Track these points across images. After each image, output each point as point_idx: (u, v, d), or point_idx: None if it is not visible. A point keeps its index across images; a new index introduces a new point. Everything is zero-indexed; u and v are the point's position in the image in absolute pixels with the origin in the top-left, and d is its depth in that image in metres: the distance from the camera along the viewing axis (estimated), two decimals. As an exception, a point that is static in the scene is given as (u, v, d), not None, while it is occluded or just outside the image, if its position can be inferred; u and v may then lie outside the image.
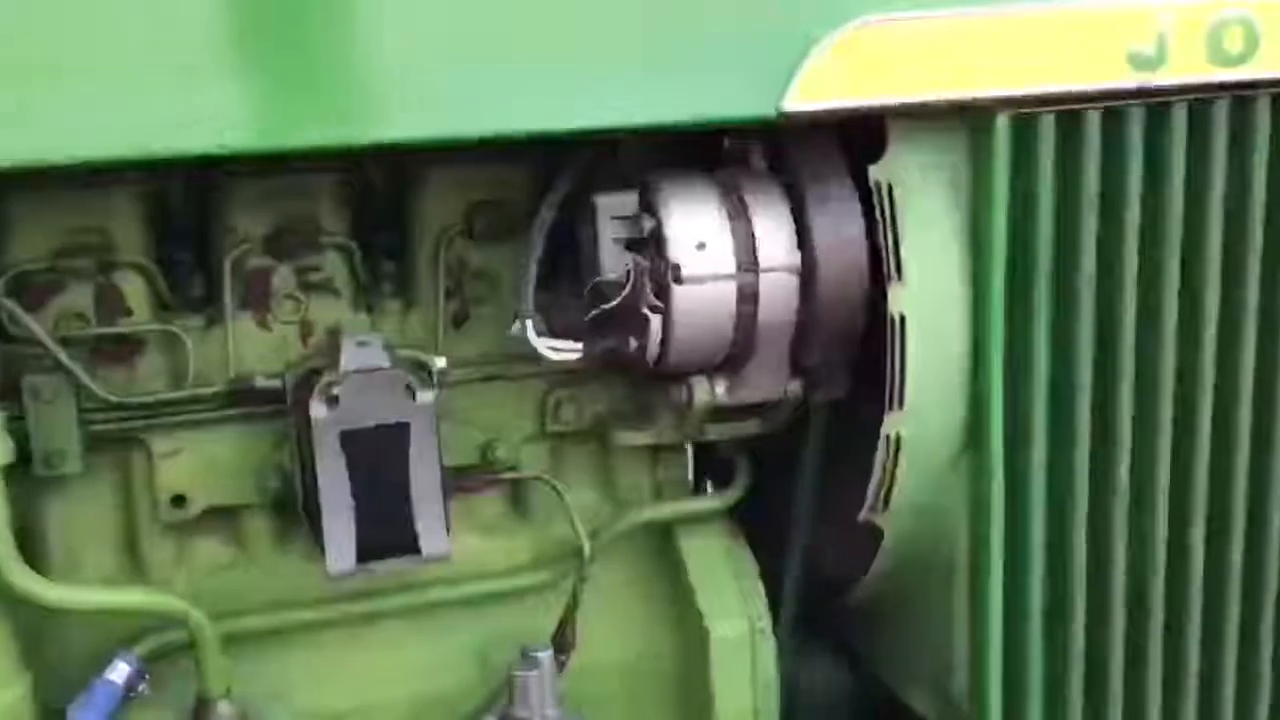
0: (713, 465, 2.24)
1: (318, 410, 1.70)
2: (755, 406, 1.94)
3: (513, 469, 2.06)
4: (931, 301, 1.81)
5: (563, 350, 1.84)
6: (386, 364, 1.80)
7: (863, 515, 1.92)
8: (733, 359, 1.85)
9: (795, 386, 1.90)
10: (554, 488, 2.03)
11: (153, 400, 1.87)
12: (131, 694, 1.88)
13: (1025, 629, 1.94)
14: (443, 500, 1.79)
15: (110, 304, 1.87)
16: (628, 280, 1.78)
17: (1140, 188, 1.82)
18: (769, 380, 1.88)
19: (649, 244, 1.78)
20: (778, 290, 1.79)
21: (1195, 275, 1.87)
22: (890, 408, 1.81)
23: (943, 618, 2.00)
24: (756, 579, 2.11)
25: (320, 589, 1.97)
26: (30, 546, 1.90)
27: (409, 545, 1.78)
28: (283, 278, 1.93)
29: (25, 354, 1.81)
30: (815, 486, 2.05)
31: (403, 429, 1.74)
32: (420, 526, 1.78)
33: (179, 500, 1.93)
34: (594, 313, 1.80)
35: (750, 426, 1.99)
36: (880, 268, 1.78)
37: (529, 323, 1.83)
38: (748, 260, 1.77)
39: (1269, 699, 2.06)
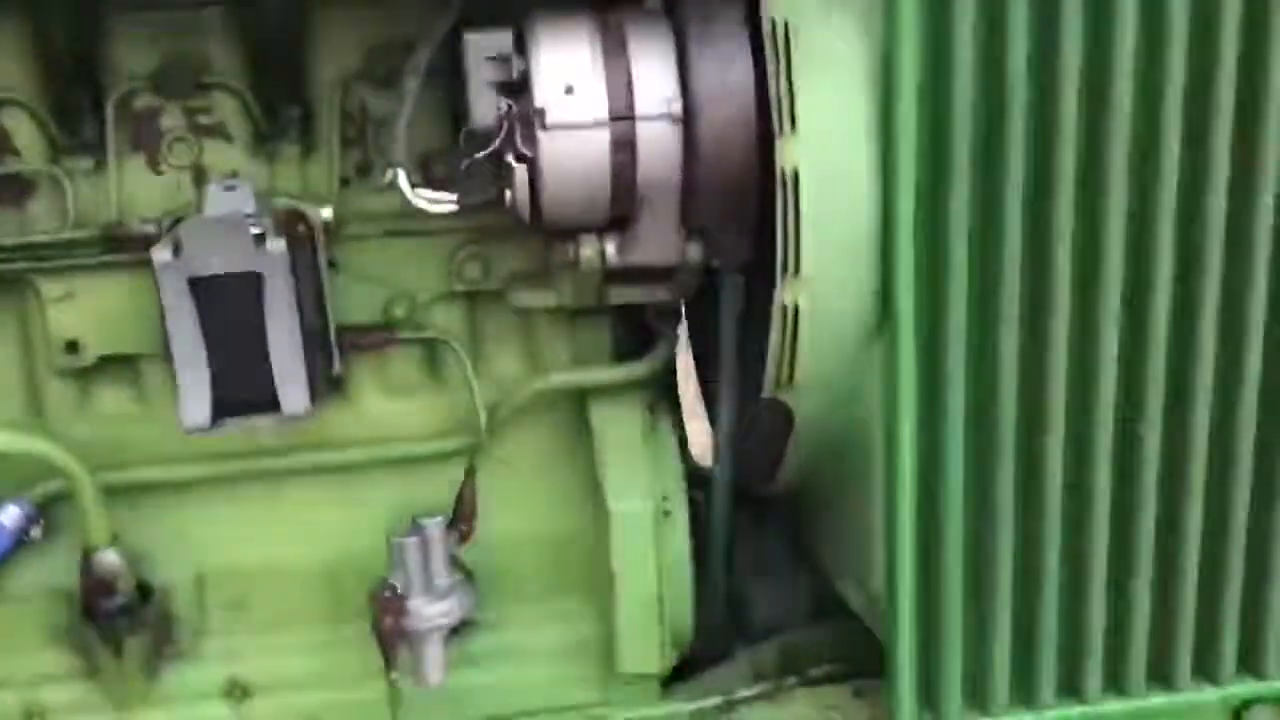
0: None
1: (161, 255, 1.63)
2: (658, 271, 1.79)
3: (420, 328, 1.96)
4: (831, 156, 1.62)
5: (437, 202, 1.73)
6: (250, 210, 1.72)
7: (766, 392, 1.77)
8: (620, 218, 1.70)
9: (694, 251, 1.74)
10: (454, 349, 1.93)
11: (30, 241, 1.82)
12: (25, 538, 1.89)
13: (942, 527, 1.77)
14: (304, 357, 1.71)
15: (-2, 144, 1.83)
16: (499, 127, 1.64)
17: (1081, 15, 1.57)
18: (661, 242, 1.72)
19: (520, 88, 1.63)
20: (657, 141, 1.63)
21: (1146, 120, 1.62)
22: (784, 274, 1.64)
23: (860, 510, 1.85)
24: (673, 455, 1.98)
25: (226, 444, 1.93)
26: (-70, 388, 1.91)
27: (268, 403, 1.71)
28: (172, 119, 1.85)
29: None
30: (731, 362, 1.90)
31: (254, 279, 1.66)
32: (279, 384, 1.70)
33: (72, 346, 1.89)
34: (465, 162, 1.67)
35: (656, 293, 1.84)
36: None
37: (400, 172, 1.71)
38: (622, 106, 1.62)
39: (1201, 576, 1.83)
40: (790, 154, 1.60)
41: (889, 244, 1.64)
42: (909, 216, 1.63)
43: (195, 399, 1.68)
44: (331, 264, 1.91)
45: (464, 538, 1.95)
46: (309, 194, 1.89)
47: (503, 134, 1.64)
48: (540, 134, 1.60)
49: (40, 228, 1.86)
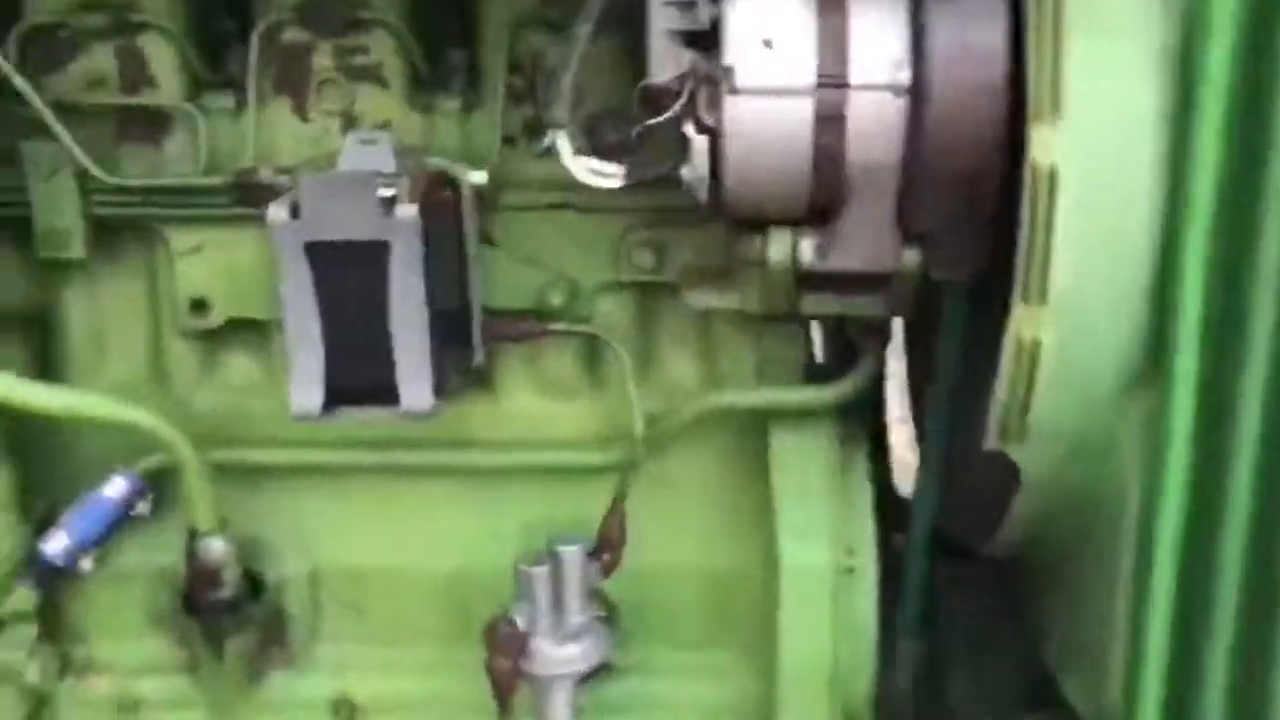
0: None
1: (277, 214, 1.39)
2: (865, 279, 1.44)
3: (579, 320, 1.68)
4: (1104, 151, 1.23)
5: (601, 175, 1.43)
6: (387, 168, 1.47)
7: (989, 442, 1.40)
8: (821, 210, 1.37)
9: (911, 258, 1.39)
10: (614, 348, 1.64)
11: (159, 185, 1.62)
12: (131, 512, 1.71)
13: (1206, 635, 1.37)
14: (432, 345, 1.44)
15: (132, 72, 1.63)
16: (680, 87, 1.33)
17: None
18: (870, 244, 1.38)
19: (708, 39, 1.32)
20: (874, 116, 1.29)
21: None
22: (1025, 299, 1.27)
23: (1099, 597, 1.46)
24: (864, 500, 1.64)
25: (355, 431, 1.70)
26: (50, 341, 1.75)
27: (386, 394, 1.46)
28: (323, 58, 1.62)
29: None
30: (947, 398, 1.54)
31: (380, 249, 1.40)
32: (400, 374, 1.45)
33: (199, 305, 1.70)
34: (638, 128, 1.36)
35: (860, 305, 1.49)
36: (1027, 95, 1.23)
37: (561, 135, 1.42)
38: (834, 70, 1.28)
39: None
40: (1049, 144, 1.22)
41: (1172, 272, 1.25)
42: (1201, 238, 1.23)
43: (307, 382, 1.45)
44: (485, 238, 1.64)
45: (608, 569, 1.66)
46: (468, 154, 1.62)
47: (683, 97, 1.32)
48: (727, 99, 1.29)
49: (173, 170, 1.66)
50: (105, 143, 1.65)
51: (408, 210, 1.38)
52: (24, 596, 1.67)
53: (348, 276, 1.41)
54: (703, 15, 1.31)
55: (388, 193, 1.39)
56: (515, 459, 1.75)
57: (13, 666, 1.67)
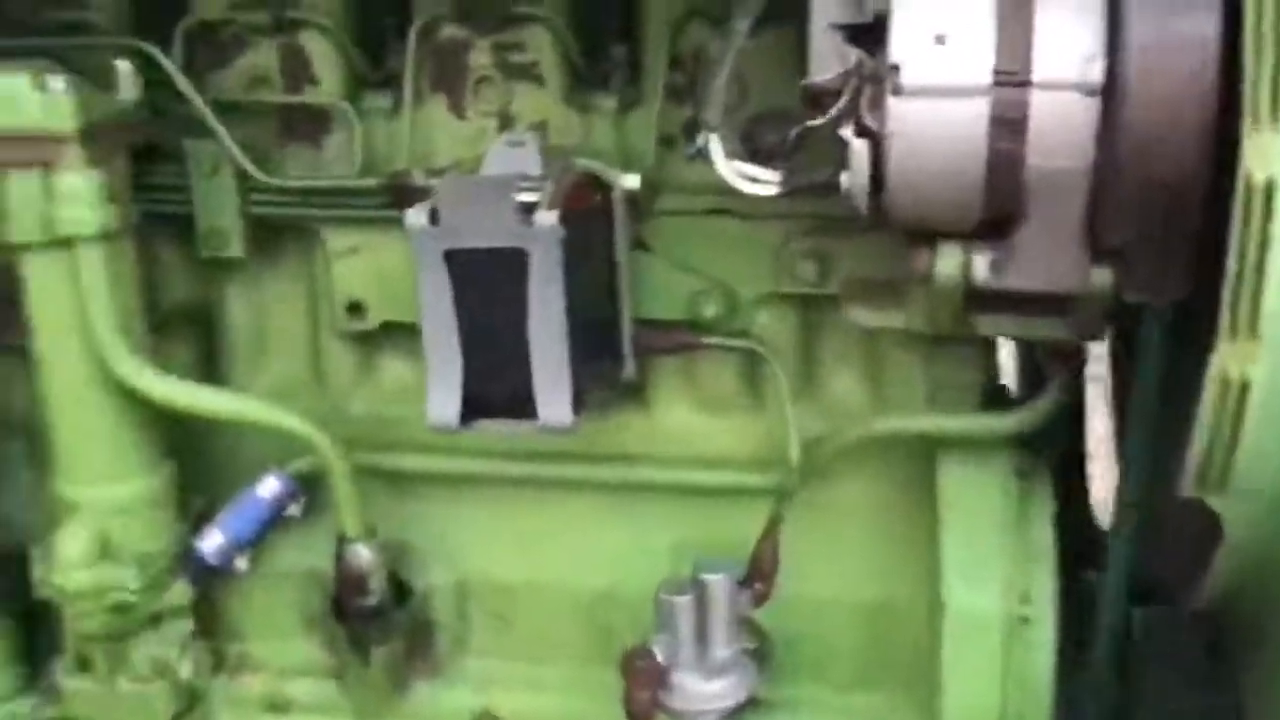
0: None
1: (415, 220, 1.34)
2: (1048, 299, 1.29)
3: (737, 333, 1.58)
4: (1334, 162, 1.06)
5: (756, 181, 1.32)
6: (537, 170, 1.40)
7: (1186, 489, 1.24)
8: (996, 221, 1.23)
9: (1102, 278, 1.23)
10: (771, 364, 1.54)
11: (315, 186, 1.60)
12: (283, 513, 1.70)
13: None
14: (571, 359, 1.37)
15: (294, 70, 1.61)
16: (842, 86, 1.21)
17: None
18: (1053, 260, 1.23)
19: (874, 34, 1.19)
20: (1059, 118, 1.14)
21: None
22: (1232, 331, 1.11)
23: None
24: (1044, 541, 1.48)
25: (506, 440, 1.64)
26: (214, 338, 1.76)
27: (524, 407, 1.39)
28: (480, 56, 1.56)
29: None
30: (1142, 435, 1.37)
31: (518, 257, 1.33)
32: (538, 387, 1.38)
33: (355, 308, 1.67)
34: (796, 130, 1.25)
35: (1043, 327, 1.34)
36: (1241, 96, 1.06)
37: (713, 138, 1.32)
38: (1014, 66, 1.14)
39: None
40: (1267, 153, 1.05)
41: None
42: None
43: (444, 392, 1.40)
44: (640, 244, 1.56)
45: (759, 598, 1.56)
46: (625, 154, 1.55)
47: (845, 96, 1.20)
48: (891, 100, 1.16)
49: (332, 170, 1.63)
50: (267, 141, 1.65)
51: (547, 217, 1.31)
52: (180, 592, 1.68)
53: (486, 285, 1.35)
54: (868, 7, 1.19)
55: (528, 198, 1.32)
56: (668, 476, 1.66)
57: (167, 662, 1.68)
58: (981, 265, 1.26)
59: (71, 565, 1.57)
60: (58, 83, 1.43)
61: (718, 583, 1.48)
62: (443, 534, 1.73)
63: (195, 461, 1.73)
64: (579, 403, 1.40)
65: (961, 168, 1.17)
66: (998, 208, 1.21)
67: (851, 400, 1.61)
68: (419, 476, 1.70)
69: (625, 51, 1.57)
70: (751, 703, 1.57)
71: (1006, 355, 1.66)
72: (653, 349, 1.56)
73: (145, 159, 1.62)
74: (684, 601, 1.46)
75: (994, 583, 1.45)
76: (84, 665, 1.69)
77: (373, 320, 1.67)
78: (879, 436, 1.51)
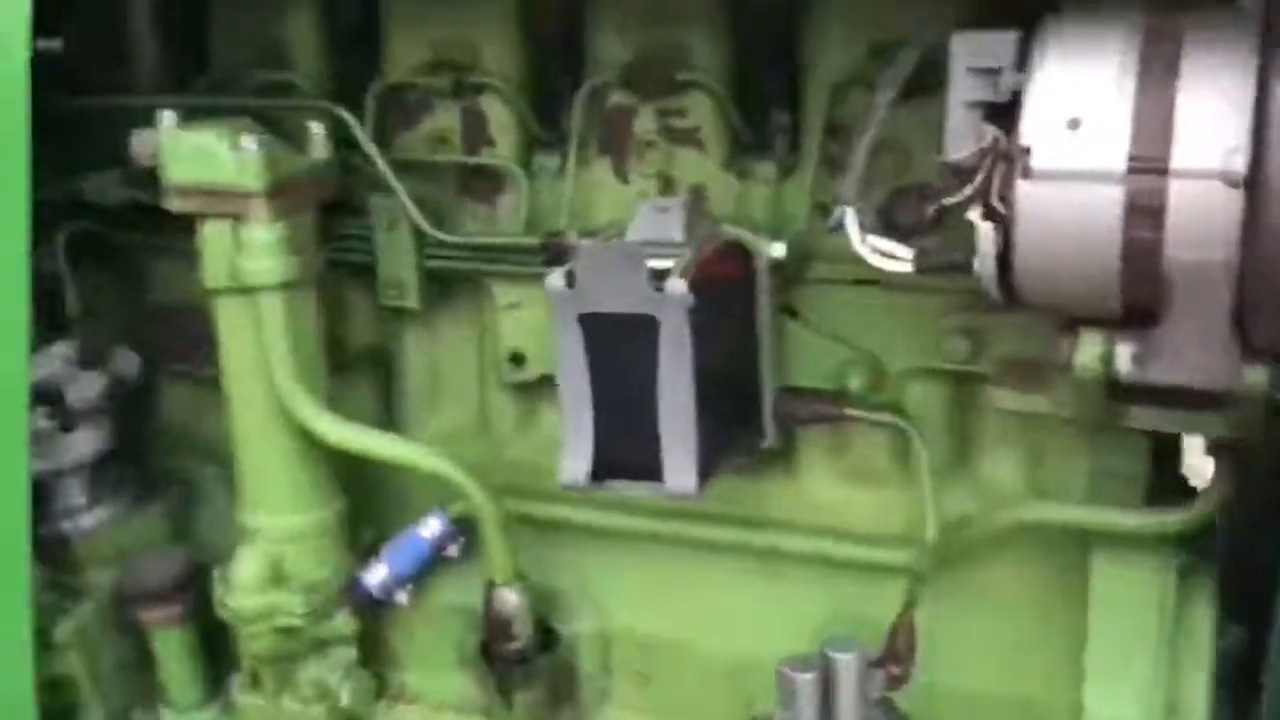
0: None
1: (553, 283, 1.38)
2: (1195, 395, 1.22)
3: (884, 406, 1.54)
4: None
5: (889, 257, 1.30)
6: (679, 237, 1.42)
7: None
8: (1139, 312, 1.16)
9: (1256, 376, 1.15)
10: (914, 441, 1.50)
11: (482, 243, 1.67)
12: (443, 553, 1.77)
13: None
14: (694, 426, 1.37)
15: (473, 132, 1.69)
16: (978, 163, 1.18)
17: None
18: (1201, 355, 1.16)
19: (1010, 113, 1.16)
20: (1201, 208, 1.07)
21: None
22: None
23: None
24: (1202, 650, 1.38)
25: (661, 501, 1.66)
26: (392, 382, 1.85)
27: (651, 471, 1.40)
28: (645, 120, 1.60)
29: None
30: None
31: (648, 324, 1.35)
32: (665, 452, 1.39)
33: (517, 359, 1.73)
34: (932, 207, 1.23)
35: (1198, 423, 1.26)
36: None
37: (849, 212, 1.31)
38: (1152, 153, 1.08)
39: None
40: None
41: None
42: None
43: (578, 450, 1.42)
44: (789, 311, 1.56)
45: (895, 681, 1.51)
46: (780, 220, 1.54)
47: (980, 175, 1.17)
48: (1020, 183, 1.11)
49: (505, 227, 1.70)
50: (447, 198, 1.73)
51: (678, 285, 1.32)
52: (344, 621, 1.76)
53: (618, 349, 1.37)
54: (1004, 85, 1.15)
55: (661, 265, 1.34)
56: (813, 546, 1.64)
57: (329, 686, 1.77)
58: (1125, 357, 1.19)
59: (244, 589, 1.68)
60: (250, 143, 1.54)
61: (845, 662, 1.44)
62: (591, 584, 1.75)
63: (368, 496, 1.82)
64: (707, 469, 1.40)
65: (1095, 256, 1.12)
66: (1138, 298, 1.15)
67: (1006, 483, 1.55)
68: (571, 526, 1.74)
69: (787, 119, 1.56)
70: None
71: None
72: (793, 418, 1.54)
73: (337, 211, 1.73)
74: (806, 679, 1.43)
75: (1139, 692, 1.36)
76: (255, 683, 1.79)
77: (532, 372, 1.73)
78: (1027, 524, 1.44)
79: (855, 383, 1.52)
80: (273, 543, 1.71)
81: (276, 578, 1.70)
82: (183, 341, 1.94)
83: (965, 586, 1.53)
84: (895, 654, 1.50)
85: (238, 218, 1.57)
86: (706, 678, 1.70)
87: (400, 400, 1.86)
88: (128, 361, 1.91)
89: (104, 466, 1.92)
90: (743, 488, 1.65)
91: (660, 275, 1.33)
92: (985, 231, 1.15)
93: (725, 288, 1.42)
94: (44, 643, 1.81)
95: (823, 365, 1.55)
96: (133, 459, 1.98)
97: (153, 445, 2.02)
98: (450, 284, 1.76)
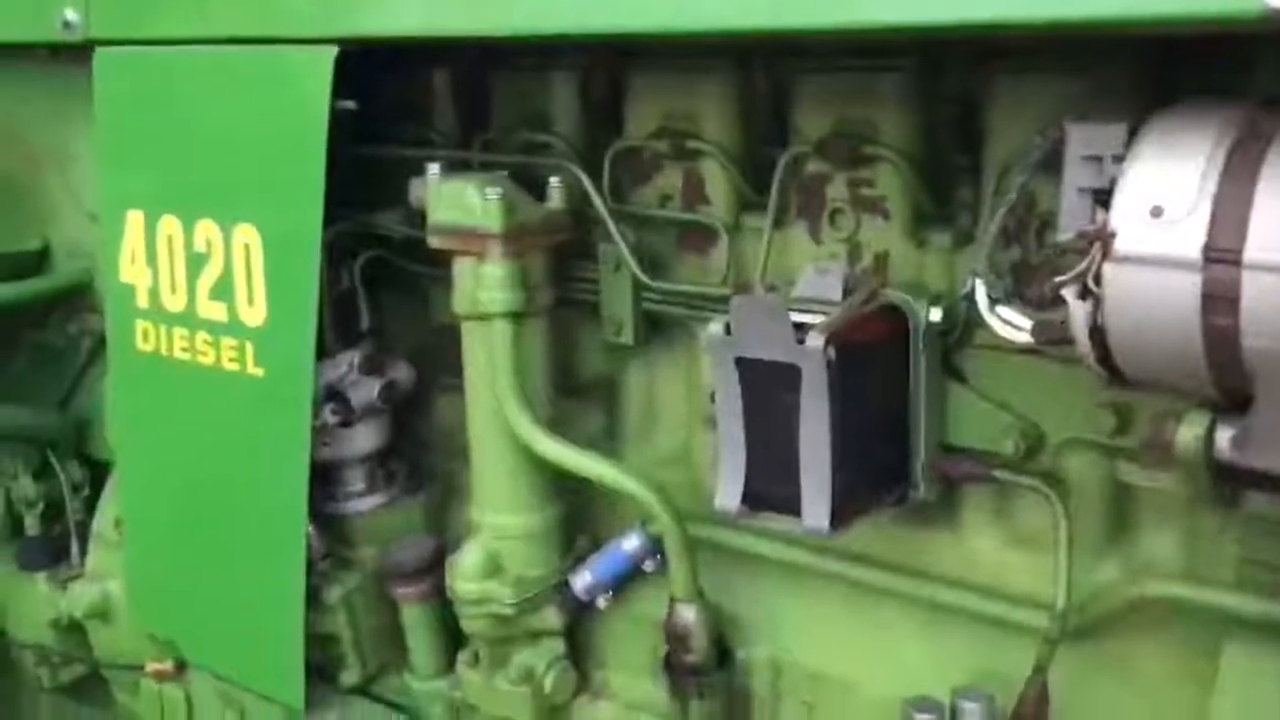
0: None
1: (714, 329, 1.55)
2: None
3: (1044, 474, 1.60)
4: None
5: (1013, 328, 1.38)
6: (837, 297, 1.56)
7: None
8: (1234, 394, 1.20)
9: (1347, 467, 1.16)
10: (1053, 507, 1.55)
11: (680, 290, 1.86)
12: (641, 566, 1.97)
13: None
14: (829, 469, 1.50)
15: (691, 191, 1.89)
16: (1083, 246, 1.26)
17: None
18: (1292, 444, 1.18)
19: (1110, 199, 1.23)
20: (1275, 300, 1.11)
21: None
22: None
23: None
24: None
25: (837, 542, 1.79)
26: (615, 411, 2.07)
27: (792, 506, 1.54)
28: (837, 188, 1.74)
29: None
30: None
31: (792, 373, 1.49)
32: (804, 491, 1.52)
33: (715, 397, 1.90)
34: (1049, 283, 1.31)
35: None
36: None
37: (979, 283, 1.40)
38: (1227, 244, 1.13)
39: None
40: None
41: None
42: None
43: (730, 482, 1.58)
44: (956, 374, 1.65)
45: (1026, 743, 1.56)
46: (954, 288, 1.64)
47: (1086, 258, 1.25)
48: (1106, 265, 1.19)
49: (712, 278, 1.88)
50: (668, 249, 1.93)
51: (816, 339, 1.45)
52: (551, 616, 1.99)
53: (767, 392, 1.52)
54: (1107, 173, 1.22)
55: (803, 320, 1.48)
56: (969, 601, 1.70)
57: (534, 672, 2.00)
58: (1224, 439, 1.23)
59: (465, 575, 1.94)
60: (494, 192, 1.81)
61: (971, 710, 1.52)
62: (767, 612, 1.89)
63: (587, 508, 2.04)
64: (843, 512, 1.52)
65: (1177, 340, 1.18)
66: (1229, 382, 1.18)
67: (1159, 560, 1.56)
68: (753, 556, 1.88)
69: (969, 193, 1.65)
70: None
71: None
72: (945, 476, 1.62)
73: (576, 256, 1.97)
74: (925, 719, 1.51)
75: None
76: (475, 660, 2.05)
77: (732, 411, 1.88)
78: (1149, 599, 1.46)
79: (1009, 446, 1.59)
80: (493, 538, 1.96)
81: (493, 569, 1.95)
82: (453, 356, 2.24)
83: (1105, 657, 1.56)
84: (1024, 715, 1.55)
85: (480, 255, 1.84)
86: (863, 714, 1.79)
87: (621, 427, 2.07)
88: (403, 371, 2.23)
89: (380, 460, 2.25)
90: (910, 539, 1.75)
91: (801, 329, 1.47)
92: (1076, 309, 1.22)
93: (876, 346, 1.53)
94: (318, 604, 2.15)
95: (983, 428, 1.62)
96: (405, 457, 2.30)
97: (423, 446, 2.33)
98: (663, 325, 1.96)
